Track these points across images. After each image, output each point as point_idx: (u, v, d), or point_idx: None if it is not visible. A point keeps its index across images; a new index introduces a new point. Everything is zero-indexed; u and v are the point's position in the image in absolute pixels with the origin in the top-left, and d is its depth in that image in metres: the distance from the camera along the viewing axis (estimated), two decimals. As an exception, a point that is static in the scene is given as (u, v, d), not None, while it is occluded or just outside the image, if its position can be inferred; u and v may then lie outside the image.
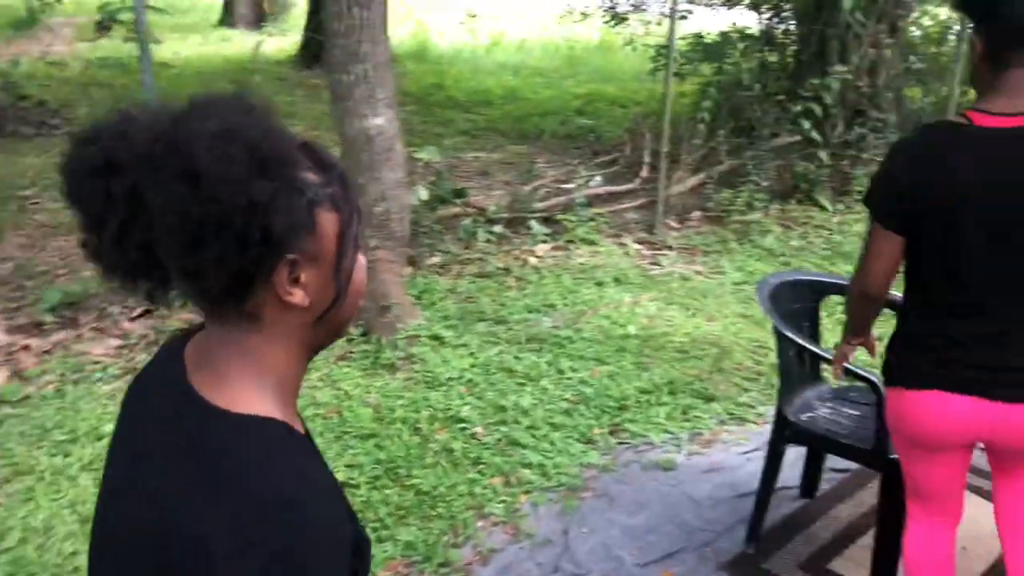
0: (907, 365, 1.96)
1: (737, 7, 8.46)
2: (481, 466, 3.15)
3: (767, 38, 7.55)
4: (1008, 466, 2.07)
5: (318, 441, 1.90)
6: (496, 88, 10.57)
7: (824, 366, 2.79)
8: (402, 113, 5.11)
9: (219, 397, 0.88)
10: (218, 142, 0.81)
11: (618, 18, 9.51)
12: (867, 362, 3.73)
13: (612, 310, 4.47)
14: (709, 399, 3.65)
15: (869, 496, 2.96)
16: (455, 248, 5.21)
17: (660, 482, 3.13)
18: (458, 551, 2.73)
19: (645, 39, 9.12)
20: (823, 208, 6.13)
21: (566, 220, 5.60)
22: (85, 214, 0.87)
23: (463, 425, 3.39)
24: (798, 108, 6.39)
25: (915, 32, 7.54)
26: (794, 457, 2.93)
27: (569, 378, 3.76)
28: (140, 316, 4.21)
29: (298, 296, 0.89)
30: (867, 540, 2.65)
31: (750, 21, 7.85)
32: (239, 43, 13.04)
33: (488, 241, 5.30)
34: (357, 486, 2.99)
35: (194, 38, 13.59)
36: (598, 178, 6.64)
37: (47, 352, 3.91)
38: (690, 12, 8.15)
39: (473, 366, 3.85)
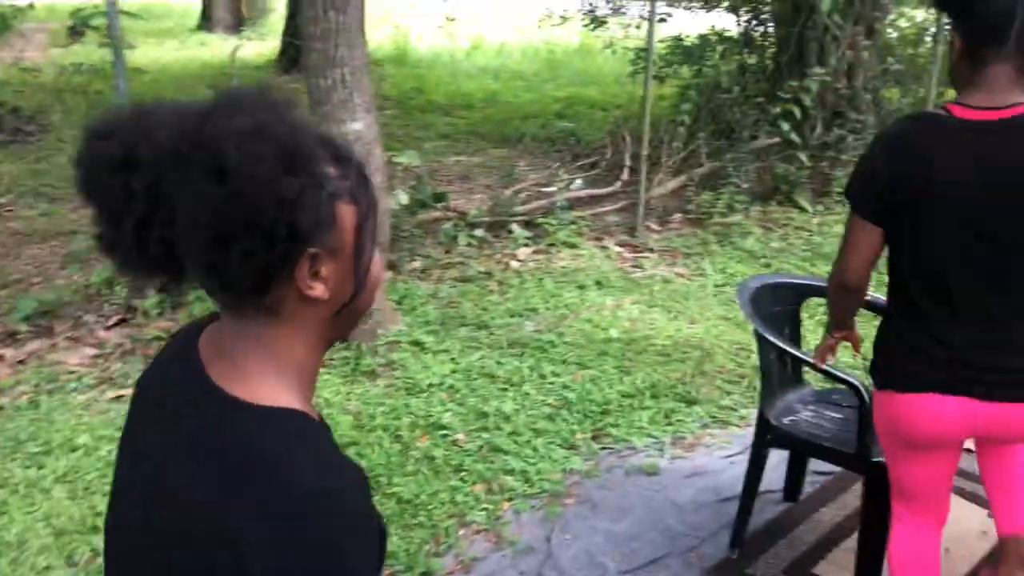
0: (896, 368, 1.95)
1: (716, 10, 8.50)
2: (463, 473, 3.12)
3: (746, 40, 7.58)
4: (996, 445, 2.13)
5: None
6: (476, 92, 10.55)
7: (806, 369, 2.78)
8: (382, 117, 5.07)
9: (239, 390, 0.88)
10: (247, 140, 0.81)
11: (597, 21, 9.53)
12: (849, 364, 3.74)
13: (594, 313, 4.45)
14: (691, 402, 3.64)
15: (852, 499, 2.96)
16: (436, 253, 5.18)
17: (643, 487, 3.11)
18: (440, 560, 2.70)
19: (624, 42, 9.15)
20: (803, 210, 6.15)
21: (547, 224, 5.58)
22: (101, 209, 0.86)
23: (444, 432, 3.36)
24: (777, 110, 6.42)
25: (892, 34, 7.60)
26: (777, 460, 2.92)
27: (551, 383, 3.74)
28: (115, 325, 4.15)
29: (319, 290, 0.89)
30: (851, 543, 2.64)
31: (729, 24, 7.88)
32: (217, 48, 12.96)
33: (469, 245, 5.28)
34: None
35: (171, 43, 13.51)
36: (579, 181, 6.64)
37: (21, 362, 3.84)
38: (669, 15, 8.19)
39: (454, 372, 3.81)
